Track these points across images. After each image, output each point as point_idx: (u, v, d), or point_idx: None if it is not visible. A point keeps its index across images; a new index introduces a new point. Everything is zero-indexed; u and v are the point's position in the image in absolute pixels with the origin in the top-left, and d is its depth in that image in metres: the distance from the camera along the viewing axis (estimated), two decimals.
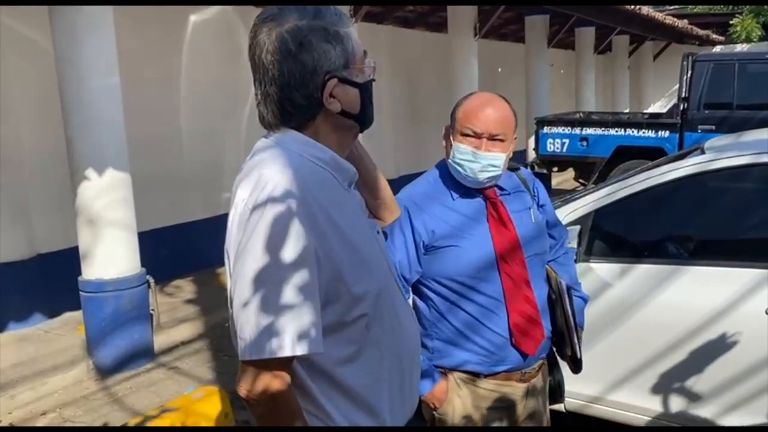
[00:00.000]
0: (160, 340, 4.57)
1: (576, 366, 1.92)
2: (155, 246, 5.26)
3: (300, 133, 1.20)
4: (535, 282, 1.83)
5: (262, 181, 1.11)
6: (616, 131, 8.42)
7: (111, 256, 4.13)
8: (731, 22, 14.46)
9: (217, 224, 6.27)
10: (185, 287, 5.93)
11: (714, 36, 15.53)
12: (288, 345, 1.06)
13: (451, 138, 1.79)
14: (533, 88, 10.68)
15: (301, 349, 1.07)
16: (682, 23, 13.36)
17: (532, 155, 9.47)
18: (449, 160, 1.79)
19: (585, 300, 2.06)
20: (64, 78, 4.05)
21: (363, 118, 1.24)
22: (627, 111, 14.07)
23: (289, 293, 1.07)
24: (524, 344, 1.79)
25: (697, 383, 2.59)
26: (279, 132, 1.21)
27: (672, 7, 18.33)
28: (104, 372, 4.18)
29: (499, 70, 12.34)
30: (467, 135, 1.75)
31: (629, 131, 8.35)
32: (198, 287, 5.90)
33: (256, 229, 1.08)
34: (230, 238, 1.14)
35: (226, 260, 1.17)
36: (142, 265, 4.34)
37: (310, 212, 1.10)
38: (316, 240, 1.10)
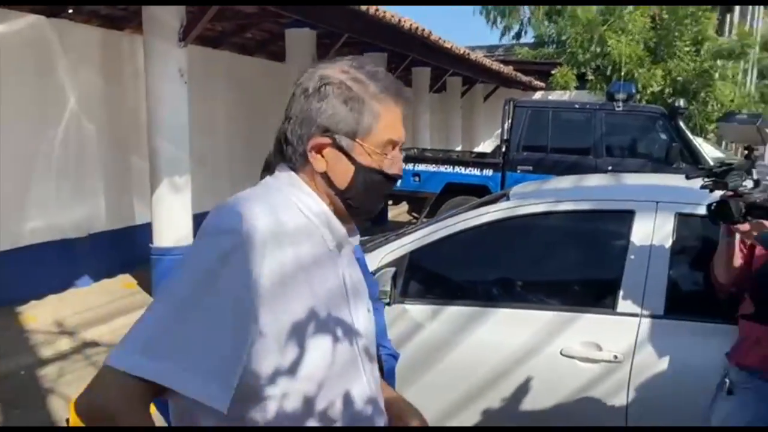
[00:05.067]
0: None
1: None
2: None
3: (296, 175, 1.15)
4: None
5: (232, 206, 1.06)
6: (446, 168, 8.80)
7: None
8: (552, 72, 15.89)
9: (22, 256, 5.67)
10: None
11: (536, 83, 16.90)
12: (168, 375, 0.97)
13: None
14: None
15: (192, 390, 0.98)
16: (508, 69, 14.39)
17: None
18: None
19: (395, 357, 2.03)
20: None
21: (348, 197, 1.14)
22: (459, 149, 14.83)
23: (195, 324, 0.99)
24: None
25: (504, 420, 2.67)
26: (278, 169, 1.18)
27: (500, 53, 19.79)
28: None
29: None
30: None
31: (458, 169, 8.76)
32: None
33: (199, 246, 1.06)
34: None
35: None
36: None
37: (261, 261, 1.02)
38: (251, 293, 1.01)
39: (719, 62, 13.84)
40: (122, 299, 6.13)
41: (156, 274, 6.07)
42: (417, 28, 8.41)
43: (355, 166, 1.12)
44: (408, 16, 8.20)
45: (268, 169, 1.91)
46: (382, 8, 7.28)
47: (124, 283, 6.75)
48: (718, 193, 2.18)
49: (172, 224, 6.05)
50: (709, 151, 8.69)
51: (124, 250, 6.92)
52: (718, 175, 2.17)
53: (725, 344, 2.32)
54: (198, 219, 6.49)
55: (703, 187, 2.22)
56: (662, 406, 2.45)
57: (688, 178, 2.36)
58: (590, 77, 14.91)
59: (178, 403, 1.06)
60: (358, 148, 1.11)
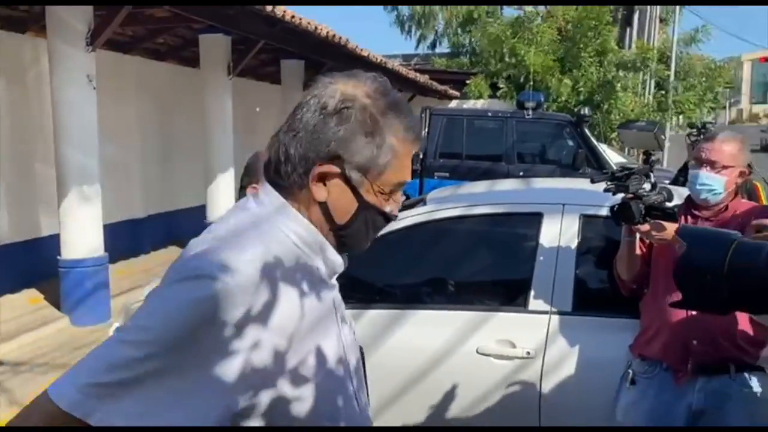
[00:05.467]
0: None
1: None
2: None
3: (285, 201, 1.02)
4: None
5: (218, 259, 0.92)
6: None
7: None
8: (467, 81, 16.32)
9: None
10: None
11: (451, 91, 17.29)
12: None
13: None
14: None
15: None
16: (424, 78, 14.65)
17: None
18: None
19: None
20: None
21: (344, 233, 1.04)
22: None
23: (150, 382, 0.88)
24: None
25: (425, 421, 2.73)
26: (263, 191, 1.04)
27: (417, 62, 20.15)
28: None
29: (257, 109, 12.36)
30: None
31: None
32: None
33: (174, 292, 0.92)
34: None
35: None
36: None
37: (245, 325, 0.91)
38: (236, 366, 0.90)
39: (621, 73, 14.63)
40: (28, 315, 5.83)
41: (65, 287, 5.81)
42: (334, 35, 8.46)
43: (359, 203, 1.02)
44: (325, 24, 8.23)
45: (248, 174, 1.84)
46: (298, 15, 7.27)
47: (30, 297, 6.41)
48: (620, 196, 2.32)
49: (81, 235, 5.81)
50: (613, 157, 9.18)
51: (30, 264, 6.59)
52: (620, 179, 2.32)
53: (629, 337, 2.47)
54: (109, 229, 6.28)
55: (606, 190, 2.36)
56: (572, 398, 2.58)
57: (592, 182, 2.51)
58: (502, 86, 15.41)
59: None
60: (366, 185, 1.02)
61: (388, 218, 1.07)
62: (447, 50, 23.08)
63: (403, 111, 1.04)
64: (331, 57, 9.96)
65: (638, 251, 2.44)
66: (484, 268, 3.09)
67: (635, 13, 17.68)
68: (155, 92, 9.04)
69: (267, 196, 1.04)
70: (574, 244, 2.72)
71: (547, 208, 2.80)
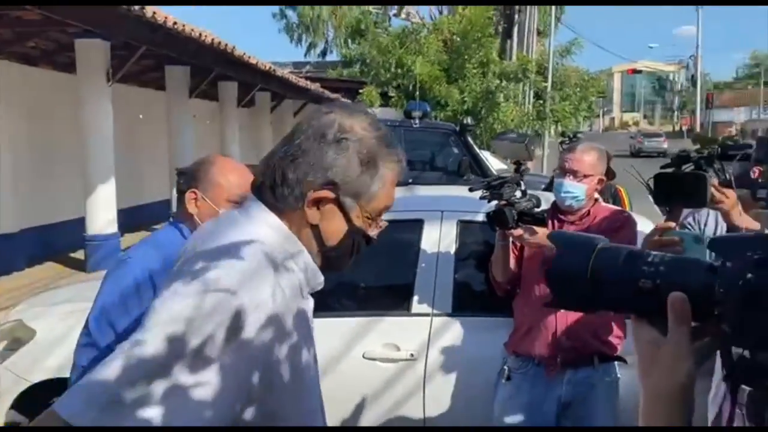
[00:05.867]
0: None
1: None
2: None
3: (278, 221, 1.07)
4: None
5: (225, 279, 0.95)
6: None
7: None
8: (360, 90, 16.53)
9: None
10: None
11: (344, 100, 17.43)
12: None
13: None
14: (176, 138, 10.54)
15: None
16: (315, 86, 14.72)
17: (174, 207, 9.26)
18: None
19: None
20: None
21: (331, 254, 1.11)
22: None
23: (167, 394, 0.88)
24: None
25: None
26: (253, 208, 1.08)
27: (309, 70, 20.16)
28: None
29: (141, 117, 11.91)
30: None
31: None
32: None
33: (184, 299, 0.93)
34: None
35: None
36: None
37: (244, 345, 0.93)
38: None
39: (503, 83, 15.33)
40: None
41: None
42: (219, 42, 8.33)
43: (348, 226, 1.10)
44: (210, 30, 8.09)
45: (188, 181, 1.86)
46: (180, 21, 7.11)
47: None
48: (494, 203, 2.46)
49: None
50: (495, 164, 9.58)
51: None
52: (494, 187, 2.45)
53: (505, 335, 2.61)
54: None
55: (482, 197, 2.49)
56: (454, 395, 2.70)
57: (471, 190, 2.64)
58: (393, 95, 15.73)
59: None
60: (357, 210, 1.09)
61: (369, 241, 1.15)
62: (338, 59, 23.28)
63: (392, 144, 1.13)
64: (218, 64, 9.79)
65: (511, 254, 2.59)
66: (372, 275, 3.16)
67: (515, 26, 18.60)
68: (26, 99, 8.50)
69: (258, 212, 1.09)
70: (452, 249, 2.84)
71: (427, 215, 2.91)
